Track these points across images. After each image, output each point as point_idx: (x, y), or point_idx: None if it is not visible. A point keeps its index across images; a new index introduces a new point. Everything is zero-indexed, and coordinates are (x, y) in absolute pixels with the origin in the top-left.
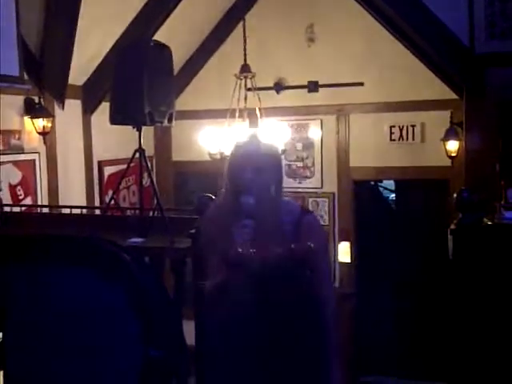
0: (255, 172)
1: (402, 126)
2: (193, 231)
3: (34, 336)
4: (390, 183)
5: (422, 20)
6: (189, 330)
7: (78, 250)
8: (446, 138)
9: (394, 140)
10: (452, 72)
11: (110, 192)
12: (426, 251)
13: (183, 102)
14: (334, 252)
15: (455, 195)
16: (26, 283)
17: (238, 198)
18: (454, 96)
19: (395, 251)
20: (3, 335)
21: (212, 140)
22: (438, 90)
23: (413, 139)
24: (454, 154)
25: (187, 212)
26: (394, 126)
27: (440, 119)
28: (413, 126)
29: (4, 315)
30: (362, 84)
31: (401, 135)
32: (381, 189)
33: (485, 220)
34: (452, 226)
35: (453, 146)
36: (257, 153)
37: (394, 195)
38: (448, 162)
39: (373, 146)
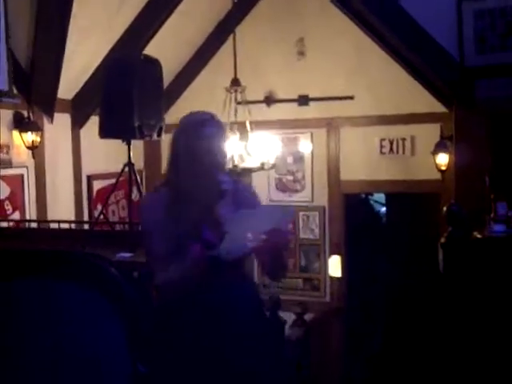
0: (220, 150)
1: (393, 139)
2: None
3: (24, 352)
4: (380, 196)
5: (411, 34)
6: None
7: (66, 263)
8: (435, 152)
9: (384, 153)
10: (441, 85)
11: (99, 206)
12: (416, 264)
13: (173, 116)
14: (325, 266)
15: (445, 209)
16: (15, 296)
17: (211, 179)
18: (443, 109)
19: (386, 265)
20: None
21: None
22: (428, 103)
23: (403, 152)
24: (443, 168)
25: None
26: (384, 139)
27: (430, 132)
28: (403, 139)
29: None
30: (352, 98)
31: (391, 148)
32: (372, 202)
33: (474, 233)
34: (442, 240)
35: (443, 159)
36: (217, 129)
37: (384, 208)
38: (438, 176)
39: (363, 159)
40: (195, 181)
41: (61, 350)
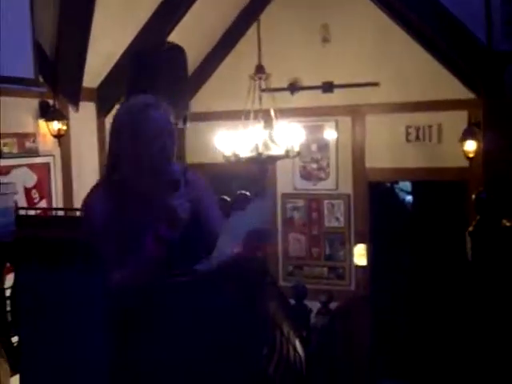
0: (170, 136)
1: (419, 127)
2: None
3: (50, 334)
4: (406, 185)
5: (437, 18)
6: None
7: (93, 251)
8: (463, 139)
9: (410, 141)
10: (469, 70)
11: None
12: (443, 254)
13: (197, 104)
14: (350, 255)
15: (474, 196)
16: (43, 282)
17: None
18: (471, 96)
19: (412, 253)
20: (19, 336)
21: (226, 142)
22: (456, 89)
23: (430, 140)
24: (471, 155)
25: None
26: (410, 127)
27: (457, 119)
28: (430, 127)
29: (20, 316)
30: (377, 84)
31: (417, 136)
32: (397, 190)
33: (504, 221)
34: (470, 228)
35: (471, 146)
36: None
37: (410, 197)
38: (466, 163)
39: (389, 147)
40: (143, 173)
41: (83, 334)
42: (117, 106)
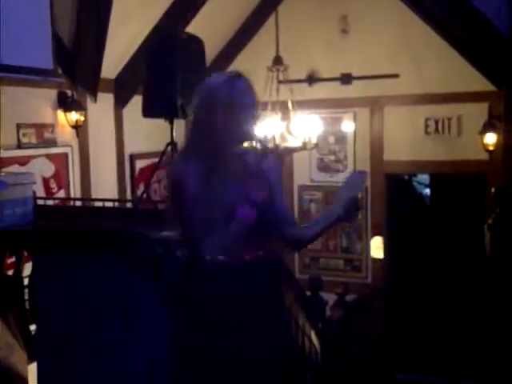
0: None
1: (438, 119)
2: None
3: (67, 325)
4: (424, 177)
5: (458, 9)
6: None
7: (111, 241)
8: (483, 131)
9: (429, 133)
10: (490, 62)
11: (141, 185)
12: (461, 247)
13: None
14: (367, 247)
15: (493, 189)
16: (61, 272)
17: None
18: (492, 88)
19: (429, 246)
20: (37, 325)
21: None
22: (476, 81)
23: (449, 132)
24: (491, 148)
25: None
26: (429, 119)
27: (477, 112)
28: (449, 119)
29: (38, 305)
30: (397, 76)
31: (437, 128)
32: (414, 183)
33: None
34: (489, 221)
35: (491, 139)
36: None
37: (428, 190)
38: (485, 156)
39: (407, 139)
40: (235, 140)
41: (101, 324)
42: (135, 97)
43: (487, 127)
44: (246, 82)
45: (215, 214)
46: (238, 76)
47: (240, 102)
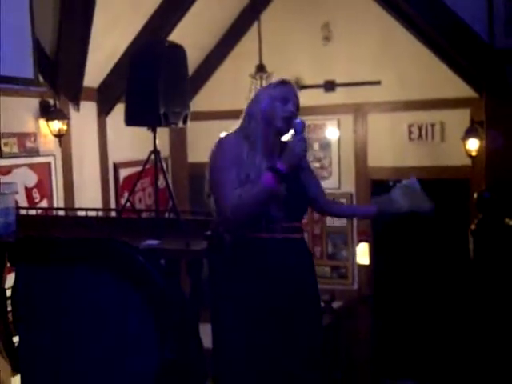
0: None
1: (421, 125)
2: (208, 233)
3: (51, 335)
4: None
5: (439, 16)
6: (205, 332)
7: (95, 251)
8: (466, 137)
9: (412, 139)
10: (472, 69)
11: (126, 194)
12: (446, 252)
13: (198, 103)
14: (353, 254)
15: (476, 195)
16: (44, 283)
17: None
18: (474, 94)
19: (414, 252)
20: (20, 337)
21: None
22: (458, 87)
23: (432, 138)
24: (474, 154)
25: (203, 214)
26: (412, 125)
27: (460, 118)
28: (432, 125)
29: (21, 316)
30: (379, 83)
31: (420, 134)
32: None
33: (506, 220)
34: (473, 227)
35: (473, 145)
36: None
37: None
38: (468, 162)
39: (391, 146)
40: (270, 127)
41: (86, 336)
42: (118, 106)
43: (469, 133)
44: (293, 86)
45: (245, 177)
46: (285, 81)
47: (277, 97)
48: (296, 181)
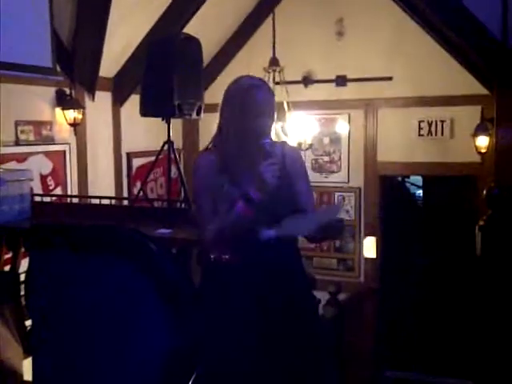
0: (270, 114)
1: (431, 121)
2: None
3: (62, 322)
4: (417, 179)
5: (452, 12)
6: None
7: (108, 238)
8: (476, 134)
9: (422, 135)
10: (483, 66)
11: (138, 183)
12: (452, 248)
13: (212, 95)
14: (360, 247)
15: (485, 191)
16: (58, 269)
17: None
18: (485, 91)
19: (421, 247)
20: (32, 321)
21: None
22: (469, 84)
23: (442, 134)
24: (483, 150)
25: None
26: (422, 121)
27: (470, 114)
28: (442, 122)
29: (34, 301)
30: (390, 78)
31: (430, 130)
32: (408, 184)
33: None
34: (481, 223)
35: (483, 141)
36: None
37: (420, 191)
38: (478, 158)
39: (401, 141)
40: (244, 142)
41: (97, 322)
42: (133, 96)
43: (480, 130)
44: (267, 92)
45: (221, 204)
46: (260, 85)
47: (249, 111)
48: (287, 189)
